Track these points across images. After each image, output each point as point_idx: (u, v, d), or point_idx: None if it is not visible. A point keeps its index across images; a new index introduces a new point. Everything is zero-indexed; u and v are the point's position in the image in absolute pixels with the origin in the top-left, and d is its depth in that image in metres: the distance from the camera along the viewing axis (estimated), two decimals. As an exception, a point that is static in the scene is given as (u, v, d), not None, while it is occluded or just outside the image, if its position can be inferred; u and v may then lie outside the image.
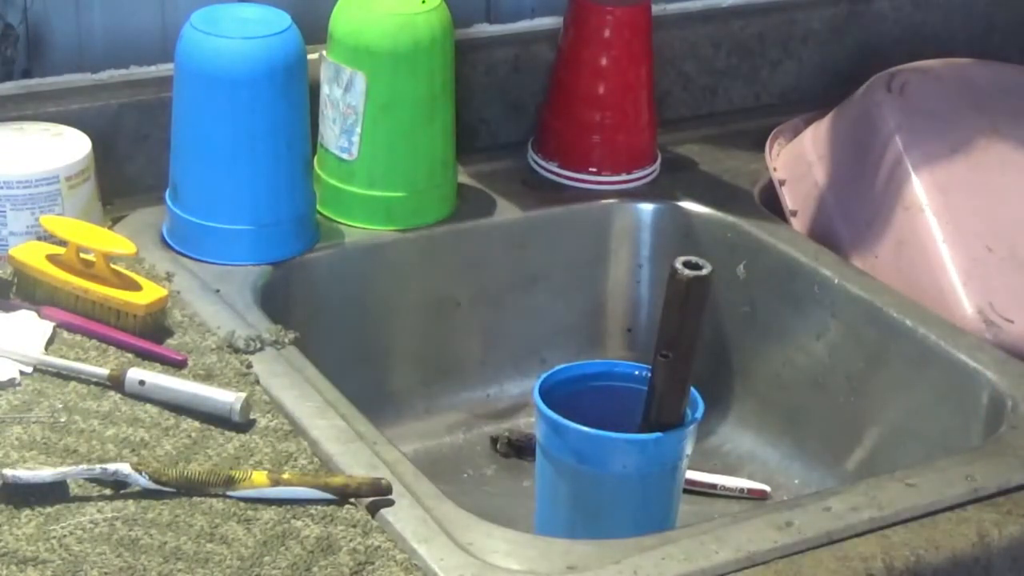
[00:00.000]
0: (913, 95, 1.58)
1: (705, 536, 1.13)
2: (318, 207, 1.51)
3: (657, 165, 1.68)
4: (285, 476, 1.14)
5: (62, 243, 1.36)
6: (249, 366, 1.29)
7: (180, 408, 1.23)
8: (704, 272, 1.17)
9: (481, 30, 1.72)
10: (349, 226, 1.53)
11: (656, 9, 1.69)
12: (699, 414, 1.23)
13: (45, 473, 1.12)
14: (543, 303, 1.61)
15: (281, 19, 1.43)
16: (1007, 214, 1.50)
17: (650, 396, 1.21)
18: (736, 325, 1.58)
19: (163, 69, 1.56)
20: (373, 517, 1.13)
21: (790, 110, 1.75)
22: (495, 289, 1.59)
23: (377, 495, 1.14)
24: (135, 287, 1.34)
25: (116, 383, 1.25)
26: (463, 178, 1.62)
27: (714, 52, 1.81)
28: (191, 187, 1.45)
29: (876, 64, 1.65)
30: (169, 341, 1.32)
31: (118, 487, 1.13)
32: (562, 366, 1.28)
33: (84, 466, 1.13)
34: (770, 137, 1.68)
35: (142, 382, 1.24)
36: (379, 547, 1.09)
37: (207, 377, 1.27)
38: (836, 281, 1.49)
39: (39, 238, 1.40)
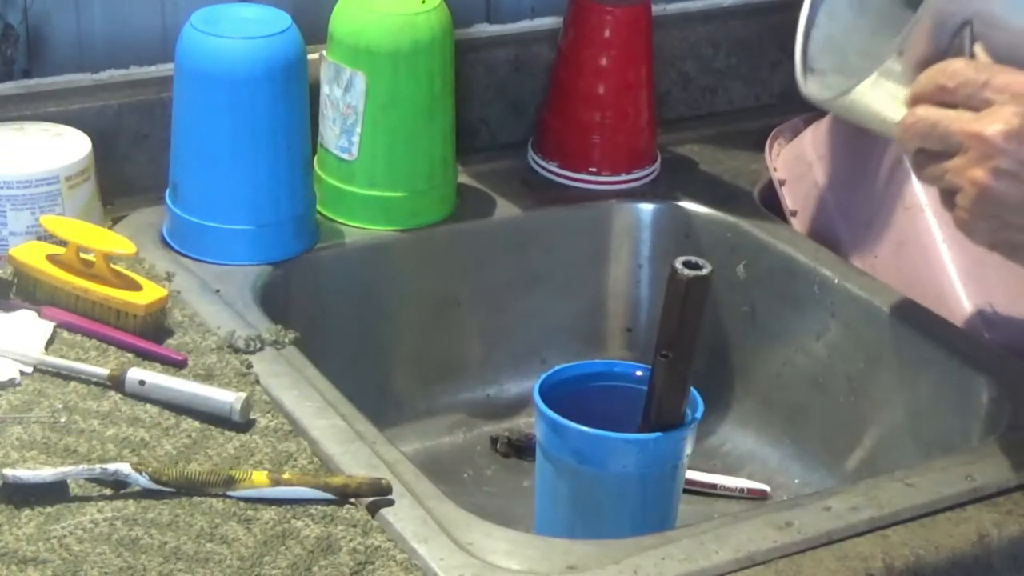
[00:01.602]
0: (913, 95, 1.58)
1: (705, 536, 1.13)
2: (318, 207, 1.51)
3: (657, 165, 1.68)
4: (285, 476, 1.14)
5: (62, 243, 1.36)
6: (249, 366, 1.29)
7: (180, 408, 1.23)
8: (704, 272, 1.17)
9: (481, 30, 1.72)
10: (349, 226, 1.53)
11: (656, 9, 1.69)
12: (699, 414, 1.23)
13: (45, 473, 1.12)
14: (543, 303, 1.61)
15: (281, 19, 1.43)
16: (1007, 214, 1.49)
17: (650, 396, 1.21)
18: (736, 325, 1.58)
19: (163, 69, 1.56)
20: (373, 517, 1.13)
21: (790, 110, 1.74)
22: (495, 289, 1.59)
23: (377, 495, 1.14)
24: (135, 287, 1.34)
25: (116, 383, 1.25)
26: (463, 178, 1.62)
27: (714, 52, 1.81)
28: (191, 187, 1.45)
29: (876, 64, 1.65)
30: (169, 341, 1.32)
31: (118, 487, 1.13)
32: (562, 366, 1.28)
33: (84, 466, 1.13)
34: (770, 137, 1.68)
35: (142, 382, 1.24)
36: (379, 547, 1.09)
37: (207, 377, 1.27)
38: (836, 281, 1.49)
39: (39, 238, 1.40)
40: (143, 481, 1.13)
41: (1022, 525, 1.17)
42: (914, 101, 1.14)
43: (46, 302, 1.34)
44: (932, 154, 1.14)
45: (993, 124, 1.10)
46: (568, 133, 1.65)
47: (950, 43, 1.14)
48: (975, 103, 1.11)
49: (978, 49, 1.14)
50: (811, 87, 1.27)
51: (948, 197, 1.14)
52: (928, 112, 1.13)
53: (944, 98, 1.13)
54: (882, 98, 1.19)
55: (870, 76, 1.17)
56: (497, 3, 1.73)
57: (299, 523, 1.11)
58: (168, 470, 1.14)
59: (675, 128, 1.77)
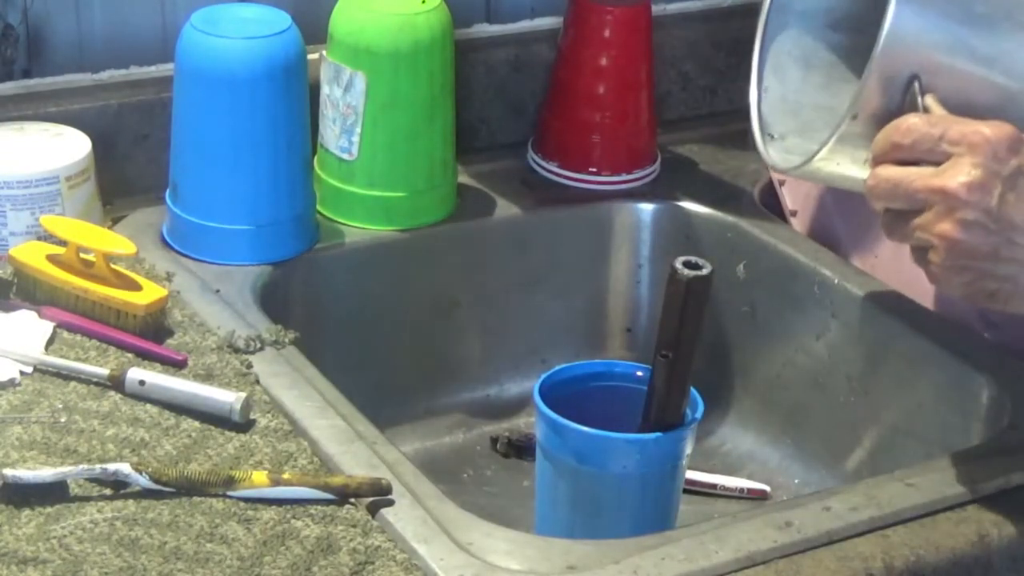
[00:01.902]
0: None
1: (705, 536, 1.13)
2: (318, 207, 1.51)
3: (657, 165, 1.68)
4: (285, 476, 1.14)
5: (62, 243, 1.36)
6: (249, 366, 1.29)
7: (180, 408, 1.23)
8: (704, 272, 1.17)
9: (481, 30, 1.72)
10: (349, 226, 1.53)
11: (656, 9, 1.69)
12: (699, 414, 1.23)
13: (45, 473, 1.12)
14: (543, 303, 1.61)
15: (281, 19, 1.43)
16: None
17: (650, 396, 1.21)
18: (736, 325, 1.58)
19: (163, 69, 1.56)
20: (373, 517, 1.13)
21: (790, 110, 1.75)
22: (495, 289, 1.59)
23: (377, 495, 1.14)
24: (135, 287, 1.34)
25: (116, 383, 1.25)
26: (463, 178, 1.62)
27: (714, 52, 1.81)
28: (191, 187, 1.45)
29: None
30: (169, 341, 1.32)
31: (118, 487, 1.13)
32: (562, 366, 1.28)
33: (84, 466, 1.13)
34: (770, 137, 1.68)
35: (142, 382, 1.24)
36: (379, 547, 1.09)
37: (207, 377, 1.27)
38: (836, 281, 1.49)
39: (39, 238, 1.40)
40: (143, 481, 1.13)
41: (1022, 525, 1.17)
42: (875, 162, 1.14)
43: (46, 302, 1.34)
44: (900, 213, 1.13)
45: (955, 177, 1.09)
46: (568, 133, 1.65)
47: (902, 99, 1.14)
48: (934, 157, 1.11)
49: (930, 101, 1.13)
50: (774, 156, 1.26)
51: (921, 254, 1.13)
52: (889, 172, 1.12)
53: (903, 156, 1.12)
54: (845, 162, 1.19)
55: (828, 143, 1.17)
56: (497, 3, 1.73)
57: (299, 523, 1.11)
58: (168, 470, 1.14)
59: (675, 128, 1.77)
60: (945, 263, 1.11)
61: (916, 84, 1.13)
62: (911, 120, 1.12)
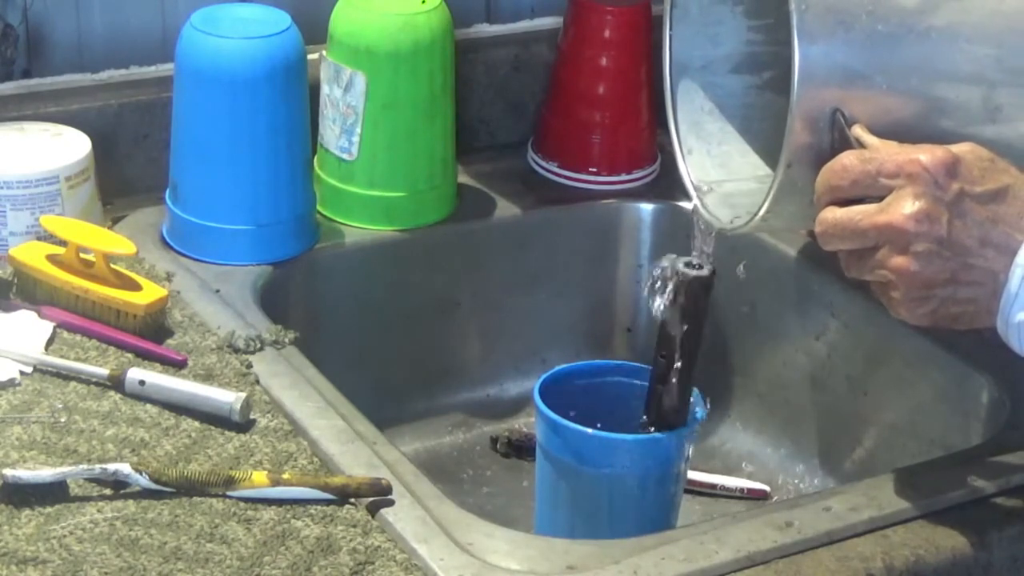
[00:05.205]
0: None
1: (705, 536, 1.13)
2: (318, 207, 1.51)
3: (657, 165, 1.68)
4: (285, 476, 1.14)
5: (62, 243, 1.36)
6: (249, 366, 1.29)
7: (180, 408, 1.23)
8: (704, 272, 1.17)
9: (481, 30, 1.72)
10: (349, 226, 1.53)
11: (656, 9, 1.69)
12: (700, 415, 1.23)
13: (45, 473, 1.12)
14: (543, 303, 1.61)
15: (281, 19, 1.43)
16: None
17: (650, 396, 1.21)
18: (736, 325, 1.58)
19: (163, 69, 1.56)
20: (373, 517, 1.13)
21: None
22: (495, 289, 1.59)
23: (377, 495, 1.14)
24: (135, 287, 1.34)
25: (116, 383, 1.25)
26: (463, 178, 1.62)
27: (714, 52, 1.81)
28: (191, 187, 1.45)
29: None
30: (169, 341, 1.32)
31: (118, 487, 1.13)
32: (562, 366, 1.28)
33: (84, 466, 1.13)
34: (770, 137, 1.68)
35: (142, 382, 1.24)
36: (379, 547, 1.09)
37: (207, 377, 1.27)
38: (836, 281, 1.48)
39: (39, 238, 1.40)
40: (143, 481, 1.13)
41: (1022, 525, 1.17)
42: (818, 206, 1.13)
43: (46, 302, 1.34)
44: (854, 251, 1.12)
45: (899, 211, 1.07)
46: (568, 133, 1.65)
47: (831, 135, 1.13)
48: (876, 192, 1.09)
49: (859, 131, 1.12)
50: (717, 213, 1.25)
51: (883, 289, 1.12)
52: (835, 215, 1.10)
53: (844, 196, 1.10)
54: (791, 209, 1.17)
55: (769, 197, 1.16)
56: (497, 3, 1.73)
57: (299, 523, 1.11)
58: (168, 470, 1.14)
59: (675, 128, 1.77)
60: (906, 296, 1.10)
61: (840, 117, 1.12)
62: (845, 160, 1.10)
